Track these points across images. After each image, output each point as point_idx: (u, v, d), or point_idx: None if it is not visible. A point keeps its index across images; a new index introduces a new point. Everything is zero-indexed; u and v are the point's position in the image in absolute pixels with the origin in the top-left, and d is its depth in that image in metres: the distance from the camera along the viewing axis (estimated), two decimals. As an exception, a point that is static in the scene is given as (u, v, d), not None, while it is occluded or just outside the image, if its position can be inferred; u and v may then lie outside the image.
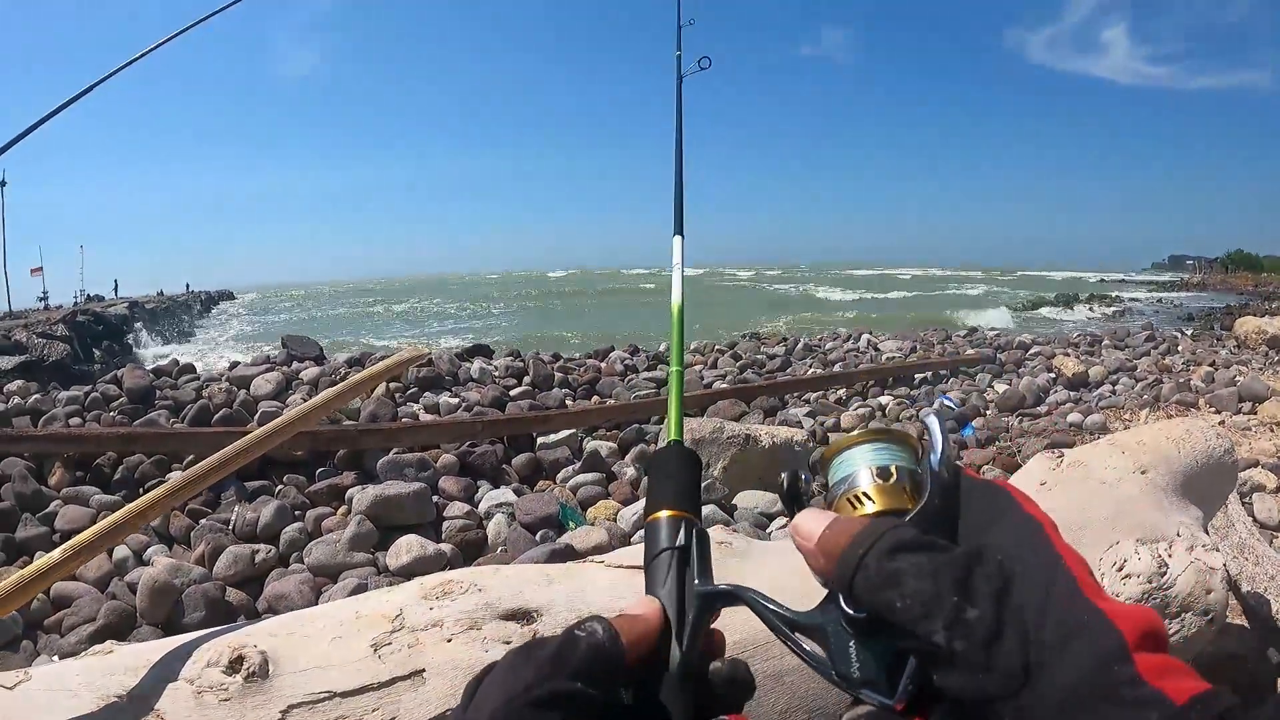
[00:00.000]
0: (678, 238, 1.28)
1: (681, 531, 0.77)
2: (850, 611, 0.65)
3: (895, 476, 0.72)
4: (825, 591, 0.69)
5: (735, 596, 0.72)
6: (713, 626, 0.74)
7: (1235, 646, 2.94)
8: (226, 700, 1.36)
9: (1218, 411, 9.27)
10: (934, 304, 39.25)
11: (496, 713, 0.58)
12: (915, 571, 0.61)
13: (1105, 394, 10.75)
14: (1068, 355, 13.20)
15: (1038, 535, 0.66)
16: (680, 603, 0.74)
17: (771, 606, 0.69)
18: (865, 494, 0.71)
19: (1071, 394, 10.80)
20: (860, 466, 0.73)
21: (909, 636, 0.61)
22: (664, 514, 0.79)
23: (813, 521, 0.69)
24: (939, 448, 0.70)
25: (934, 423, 0.72)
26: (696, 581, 0.75)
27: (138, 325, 27.96)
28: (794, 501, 0.76)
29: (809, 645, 0.68)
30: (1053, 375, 11.77)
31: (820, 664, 0.66)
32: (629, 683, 0.66)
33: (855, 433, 0.76)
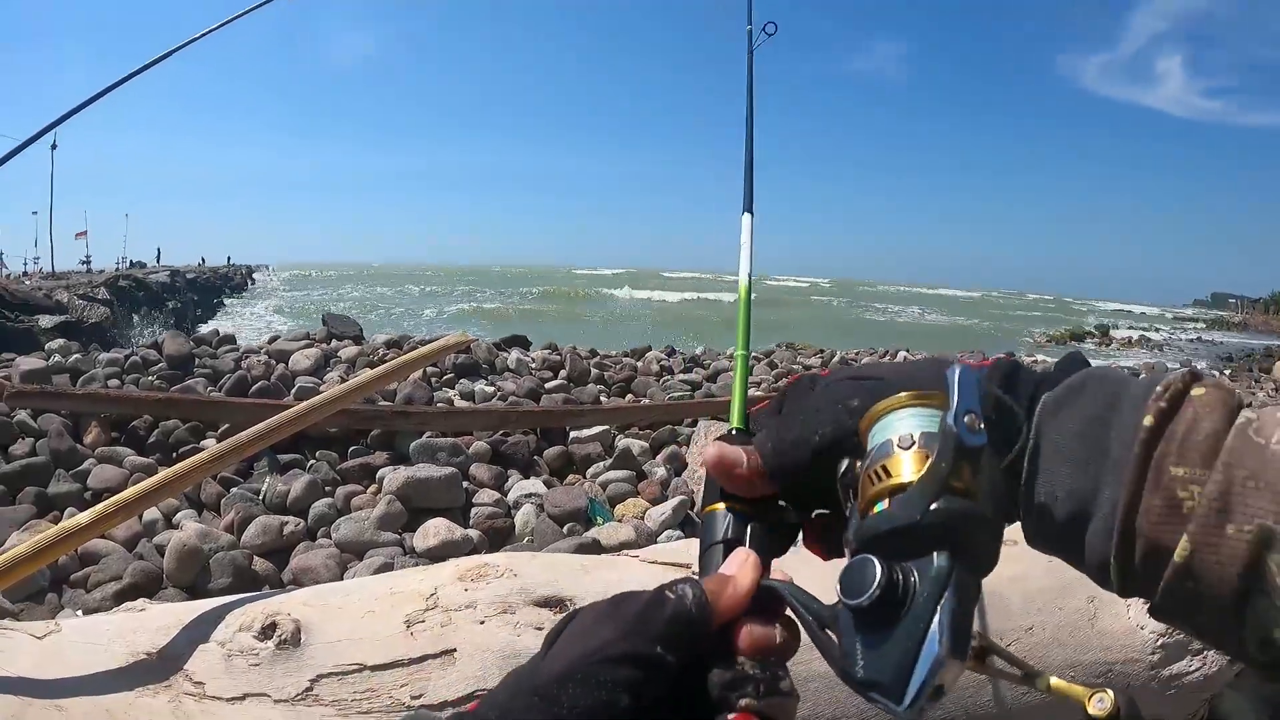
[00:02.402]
0: (747, 215, 1.23)
1: (731, 525, 0.73)
2: (844, 600, 0.60)
3: (916, 443, 0.65)
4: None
5: (772, 591, 0.66)
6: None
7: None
8: (256, 665, 1.37)
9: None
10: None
11: (571, 666, 0.58)
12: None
13: (1141, 430, 10.65)
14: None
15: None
16: None
17: (803, 600, 0.65)
18: (885, 468, 0.65)
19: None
20: (890, 435, 0.67)
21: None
22: (720, 506, 0.75)
23: None
24: (953, 403, 0.63)
25: (951, 375, 0.65)
26: None
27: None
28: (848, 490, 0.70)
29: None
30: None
31: (834, 662, 0.62)
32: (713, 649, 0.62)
33: (894, 396, 0.69)
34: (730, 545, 0.72)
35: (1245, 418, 0.60)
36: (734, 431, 0.81)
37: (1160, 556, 0.59)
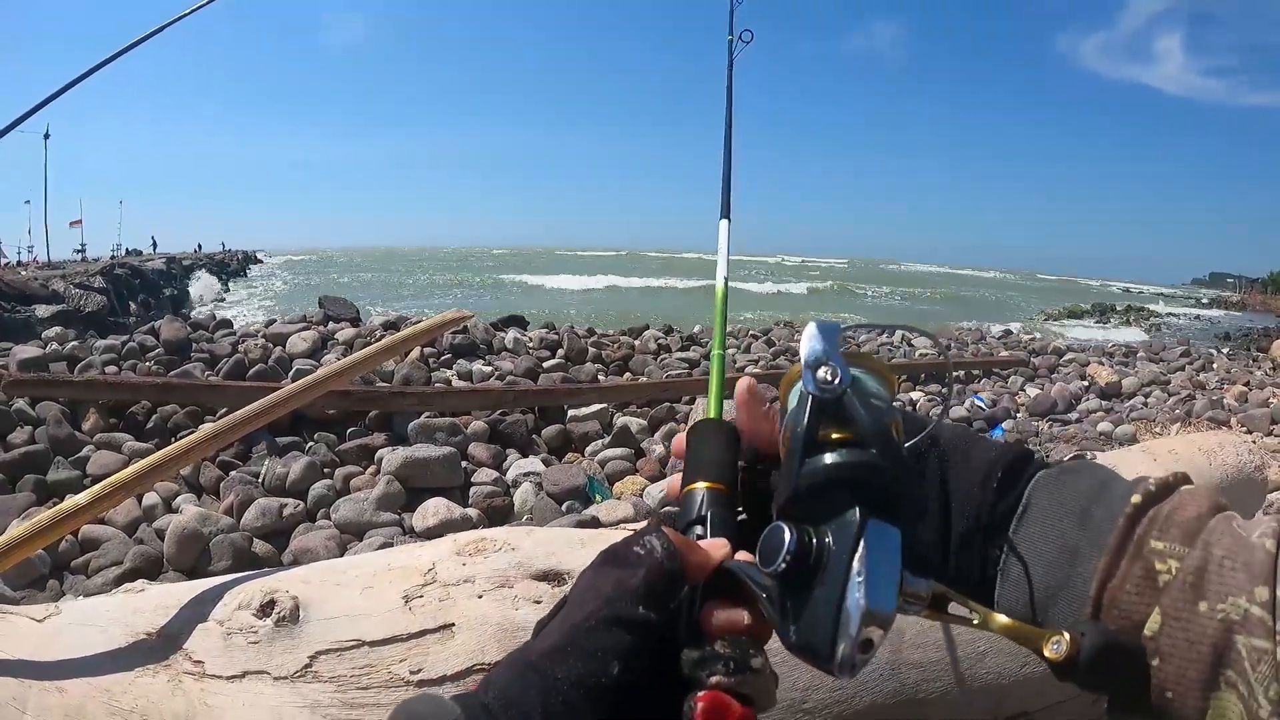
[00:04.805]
0: (724, 221, 1.25)
1: (706, 503, 0.73)
2: (761, 569, 0.62)
3: None
4: None
5: (728, 571, 0.66)
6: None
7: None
8: (255, 643, 1.36)
9: (1249, 431, 9.17)
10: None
11: (561, 639, 0.59)
12: None
13: (1137, 405, 10.67)
14: (1102, 364, 13.10)
15: None
16: None
17: (754, 576, 0.64)
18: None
19: (1104, 403, 10.73)
20: (795, 400, 0.67)
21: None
22: (698, 485, 0.75)
23: None
24: (802, 358, 0.65)
25: (808, 330, 0.67)
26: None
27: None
28: None
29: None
30: (1086, 383, 11.68)
31: (776, 630, 0.62)
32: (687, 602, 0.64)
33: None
34: (704, 522, 0.72)
35: (1231, 513, 0.61)
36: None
37: (1132, 631, 0.59)
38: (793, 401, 0.67)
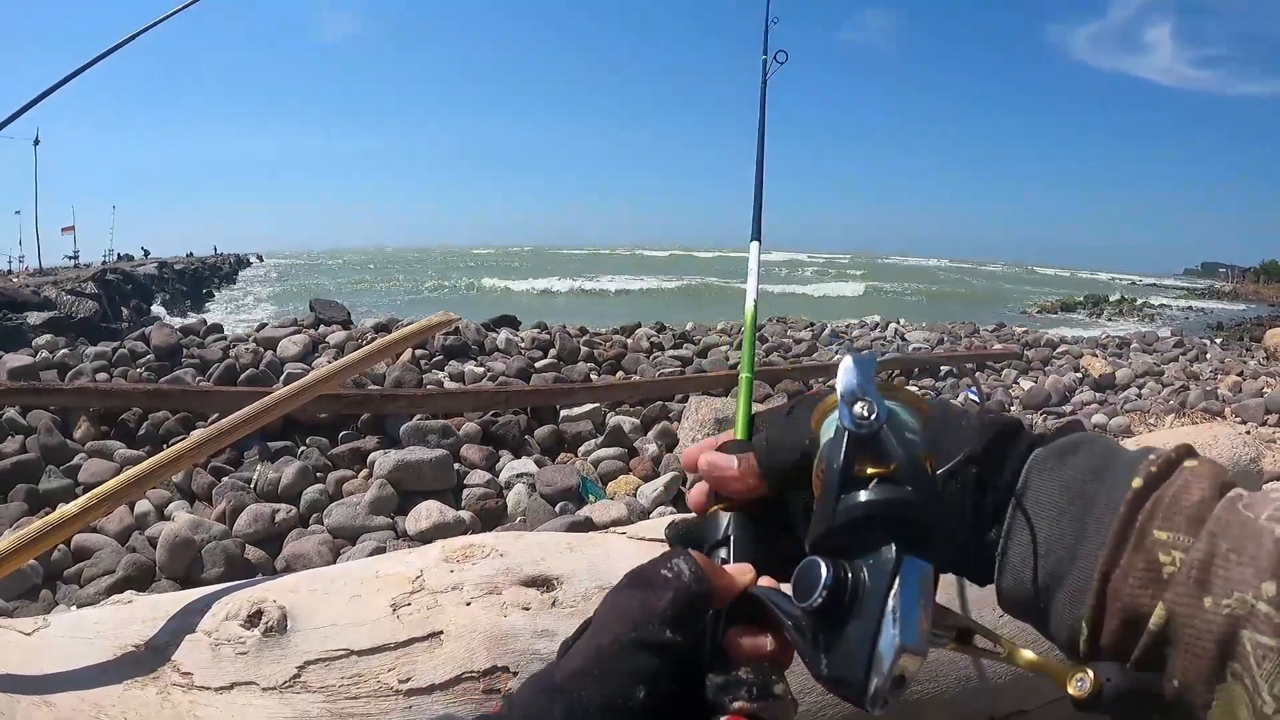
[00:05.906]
0: (754, 243, 1.24)
1: (730, 527, 0.74)
2: (796, 603, 0.62)
3: None
4: None
5: (759, 599, 0.66)
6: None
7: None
8: (243, 654, 1.36)
9: (1243, 422, 9.15)
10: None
11: (587, 661, 0.59)
12: None
13: (1131, 397, 10.68)
14: (1095, 356, 13.10)
15: None
16: None
17: (781, 605, 0.64)
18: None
19: (1097, 395, 10.73)
20: (831, 432, 0.66)
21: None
22: (721, 507, 0.76)
23: None
24: (839, 393, 0.64)
25: (844, 364, 0.66)
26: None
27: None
28: None
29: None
30: (1079, 375, 11.68)
31: (806, 662, 0.62)
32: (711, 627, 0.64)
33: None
34: (728, 545, 0.73)
35: (1237, 492, 0.60)
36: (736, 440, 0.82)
37: (1136, 624, 0.58)
38: (827, 434, 0.67)
